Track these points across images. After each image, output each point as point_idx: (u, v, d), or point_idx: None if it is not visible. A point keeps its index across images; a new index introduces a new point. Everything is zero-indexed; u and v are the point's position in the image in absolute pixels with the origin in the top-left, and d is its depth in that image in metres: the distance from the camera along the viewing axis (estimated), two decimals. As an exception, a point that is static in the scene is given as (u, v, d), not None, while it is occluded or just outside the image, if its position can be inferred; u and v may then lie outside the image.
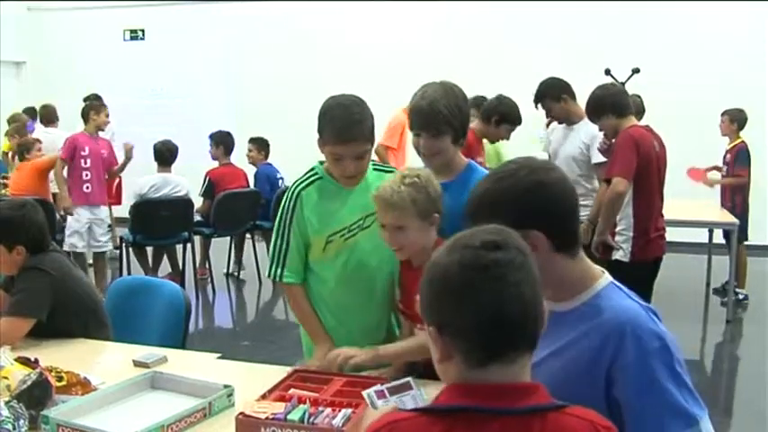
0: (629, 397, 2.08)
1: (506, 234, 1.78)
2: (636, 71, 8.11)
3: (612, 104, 5.92)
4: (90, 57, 14.96)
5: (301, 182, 3.50)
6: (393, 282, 3.54)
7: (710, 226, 9.58)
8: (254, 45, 14.11)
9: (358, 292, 3.53)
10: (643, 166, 5.80)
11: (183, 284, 9.08)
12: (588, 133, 6.59)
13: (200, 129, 11.39)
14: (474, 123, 6.94)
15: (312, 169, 3.53)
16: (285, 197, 3.50)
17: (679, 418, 2.08)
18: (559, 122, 6.92)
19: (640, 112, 8.04)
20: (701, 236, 10.01)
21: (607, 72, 8.31)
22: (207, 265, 10.24)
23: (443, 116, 3.35)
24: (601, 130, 6.15)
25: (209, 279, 10.11)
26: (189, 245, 9.74)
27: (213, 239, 10.23)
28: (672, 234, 6.31)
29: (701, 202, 9.49)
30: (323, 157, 3.49)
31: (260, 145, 10.58)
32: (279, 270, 3.50)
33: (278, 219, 3.50)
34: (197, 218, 9.86)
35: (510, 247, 1.73)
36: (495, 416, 1.68)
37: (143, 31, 14.99)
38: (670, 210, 6.45)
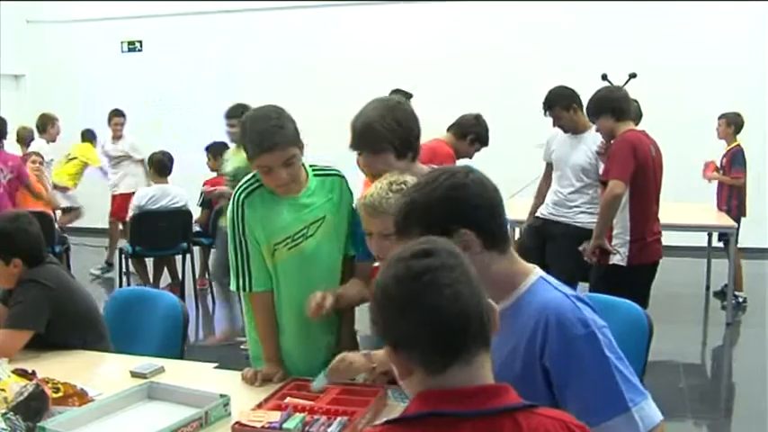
0: (560, 385, 2.15)
1: (434, 241, 1.83)
2: (633, 76, 8.10)
3: (613, 107, 5.94)
4: (89, 69, 14.99)
5: (243, 189, 3.43)
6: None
7: (709, 230, 9.57)
8: (253, 56, 14.12)
9: (305, 295, 3.41)
10: (640, 170, 5.81)
11: (182, 295, 9.09)
12: (597, 143, 6.58)
13: (200, 139, 11.34)
14: (446, 137, 6.98)
15: (253, 176, 3.45)
16: (231, 207, 3.43)
17: (609, 404, 2.11)
18: (565, 131, 6.87)
19: (638, 116, 8.03)
20: (699, 239, 10.02)
21: (604, 77, 8.30)
22: (206, 276, 10.24)
23: (378, 133, 3.30)
24: (597, 130, 6.15)
25: (208, 289, 10.09)
26: (188, 255, 9.74)
27: (212, 250, 10.20)
28: (671, 238, 6.32)
29: (699, 205, 9.49)
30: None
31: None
32: (244, 280, 3.43)
33: (230, 230, 3.44)
34: (196, 228, 9.87)
35: (440, 252, 1.77)
36: (465, 419, 1.70)
37: (141, 42, 15.02)
38: (669, 213, 6.45)
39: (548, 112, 6.76)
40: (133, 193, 10.16)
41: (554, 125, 6.82)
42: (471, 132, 7.11)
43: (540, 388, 2.16)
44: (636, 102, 8.26)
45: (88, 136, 12.58)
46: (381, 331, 1.80)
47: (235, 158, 7.36)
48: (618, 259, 5.89)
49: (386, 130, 3.30)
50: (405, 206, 2.28)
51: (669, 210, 6.45)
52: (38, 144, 11.22)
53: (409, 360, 1.76)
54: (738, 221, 8.98)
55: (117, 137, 11.85)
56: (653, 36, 12.14)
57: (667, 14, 12.07)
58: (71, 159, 12.26)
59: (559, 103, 6.69)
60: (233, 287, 3.48)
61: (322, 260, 3.49)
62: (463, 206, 2.21)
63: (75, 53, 15.14)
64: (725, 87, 11.58)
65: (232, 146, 7.94)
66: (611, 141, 6.05)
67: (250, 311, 3.60)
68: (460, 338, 1.73)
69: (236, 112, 7.65)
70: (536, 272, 2.33)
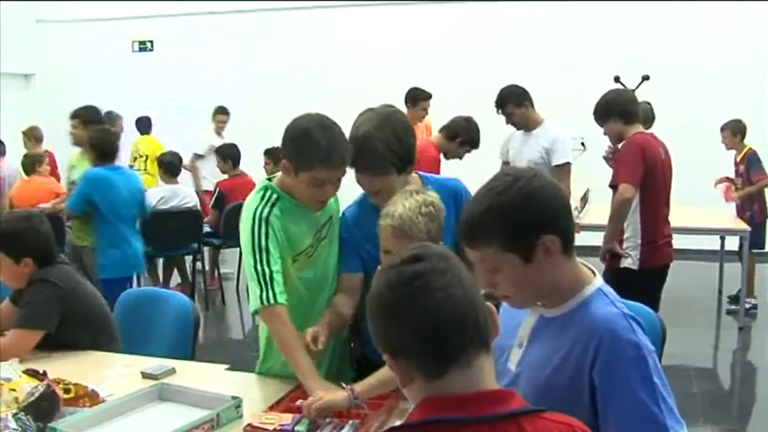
0: (604, 403, 2.13)
1: (424, 246, 1.86)
2: (646, 78, 8.11)
3: (622, 110, 5.93)
4: (99, 69, 15.01)
5: (263, 205, 3.31)
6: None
7: (723, 233, 9.53)
8: (266, 55, 14.12)
9: (320, 298, 3.45)
10: (649, 174, 5.80)
11: (192, 296, 9.10)
12: (548, 138, 6.87)
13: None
14: (436, 138, 7.05)
15: (266, 189, 3.38)
16: (252, 223, 3.27)
17: (649, 429, 2.09)
18: (518, 128, 7.03)
19: (650, 119, 8.02)
20: (713, 243, 9.98)
21: (616, 79, 8.32)
22: (216, 276, 10.27)
23: (381, 155, 3.22)
24: (605, 134, 6.15)
25: (218, 290, 10.13)
26: (199, 256, 9.77)
27: (223, 251, 10.27)
28: (684, 241, 6.31)
29: (715, 210, 9.44)
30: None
31: (276, 157, 10.50)
32: (268, 294, 3.20)
33: (250, 246, 3.26)
34: (207, 229, 9.89)
35: (430, 256, 1.78)
36: (468, 424, 1.70)
37: (152, 42, 15.03)
38: (683, 217, 6.43)
39: (500, 111, 6.99)
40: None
41: (507, 122, 6.99)
42: (461, 135, 7.35)
43: (586, 401, 2.15)
44: (648, 104, 8.25)
45: (145, 127, 12.65)
46: (378, 340, 1.80)
47: (82, 165, 7.30)
48: (629, 263, 5.89)
49: (388, 150, 3.23)
50: (485, 213, 2.18)
51: (682, 213, 6.44)
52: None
53: (408, 367, 1.76)
54: (763, 226, 8.96)
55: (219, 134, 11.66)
56: (666, 38, 12.09)
57: (681, 15, 12.02)
58: (142, 157, 12.27)
59: (512, 101, 6.94)
60: (255, 305, 3.25)
61: (331, 263, 3.50)
62: (548, 211, 2.19)
63: (85, 53, 15.16)
64: (738, 88, 11.53)
65: (75, 150, 7.67)
66: (620, 145, 6.05)
67: (266, 331, 3.52)
68: (456, 342, 1.74)
69: (83, 114, 7.61)
70: (595, 281, 2.30)
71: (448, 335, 1.72)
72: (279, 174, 3.41)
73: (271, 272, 3.21)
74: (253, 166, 10.24)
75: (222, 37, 14.39)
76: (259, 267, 3.22)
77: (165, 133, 13.12)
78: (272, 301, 3.19)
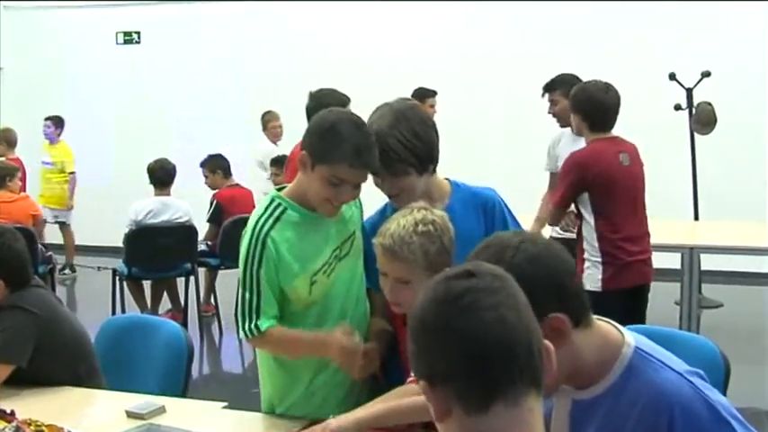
0: None
1: (479, 263, 1.84)
2: (706, 75, 8.10)
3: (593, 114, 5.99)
4: (78, 62, 14.99)
5: (265, 220, 3.36)
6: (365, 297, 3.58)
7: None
8: (266, 49, 14.01)
9: (337, 320, 3.46)
10: (602, 186, 5.88)
11: (185, 323, 9.08)
12: None
13: (205, 144, 11.40)
14: None
15: (272, 201, 3.43)
16: (248, 241, 3.35)
17: None
18: (561, 123, 6.95)
19: (711, 122, 8.02)
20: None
21: (672, 77, 8.32)
22: (213, 301, 10.22)
23: (395, 155, 3.28)
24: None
25: (215, 317, 10.09)
26: (192, 278, 9.74)
27: (220, 272, 10.27)
28: (747, 263, 6.27)
29: None
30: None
31: (279, 165, 10.48)
32: (251, 323, 3.34)
33: (243, 267, 3.37)
34: (202, 247, 9.90)
35: (484, 273, 1.76)
36: None
37: (138, 33, 14.97)
38: (746, 236, 6.39)
39: (545, 94, 6.96)
40: None
41: (549, 111, 6.94)
42: None
43: None
44: (709, 105, 8.25)
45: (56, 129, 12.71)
46: (416, 364, 1.78)
47: None
48: (590, 285, 5.82)
49: (404, 149, 3.28)
50: None
51: (749, 231, 6.41)
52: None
53: (446, 397, 1.72)
54: None
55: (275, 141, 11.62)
56: (729, 29, 12.01)
57: (746, 4, 11.98)
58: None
59: (563, 87, 6.83)
60: (241, 334, 3.41)
61: (356, 284, 3.53)
62: (549, 285, 2.12)
63: (62, 44, 15.10)
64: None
65: None
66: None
67: (266, 357, 3.61)
68: (505, 370, 1.70)
69: None
70: (626, 341, 2.23)
71: (494, 361, 1.69)
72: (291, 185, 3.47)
73: (258, 303, 3.33)
74: (255, 173, 10.29)
75: (218, 28, 14.32)
76: (247, 295, 3.35)
77: (151, 137, 13.17)
78: (255, 332, 3.34)
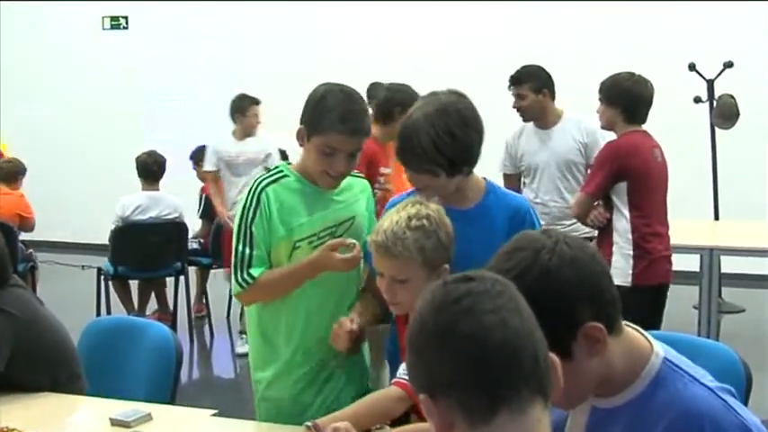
0: None
1: (480, 270, 1.85)
2: (728, 65, 8.09)
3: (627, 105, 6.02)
4: (61, 49, 14.95)
5: (264, 178, 3.65)
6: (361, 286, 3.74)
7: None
8: (264, 35, 13.94)
9: (326, 301, 3.67)
10: (638, 179, 5.95)
11: (174, 325, 9.08)
12: (583, 130, 6.72)
13: (198, 136, 11.36)
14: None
15: (277, 167, 3.75)
16: (246, 196, 3.63)
17: None
18: (525, 118, 6.87)
19: (734, 116, 8.01)
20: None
21: (691, 67, 8.31)
22: (204, 302, 10.22)
23: (423, 151, 3.31)
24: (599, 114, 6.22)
25: (206, 318, 10.09)
26: (182, 278, 9.71)
27: (212, 271, 10.28)
28: (765, 266, 6.25)
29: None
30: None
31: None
32: (243, 273, 3.58)
33: (238, 220, 3.62)
34: (193, 245, 9.89)
35: (485, 278, 1.78)
36: None
37: (126, 18, 14.94)
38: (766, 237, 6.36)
39: (511, 88, 6.82)
40: None
41: (514, 105, 6.81)
42: (397, 105, 7.18)
43: None
44: (732, 98, 8.24)
45: None
46: (416, 375, 1.79)
47: None
48: (620, 279, 5.84)
49: (434, 149, 3.29)
50: None
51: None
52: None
53: (449, 409, 1.72)
54: None
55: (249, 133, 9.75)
56: (753, 16, 11.99)
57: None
58: None
59: (530, 81, 6.76)
60: (234, 292, 3.70)
61: (350, 281, 3.70)
62: (587, 294, 2.10)
63: (44, 30, 15.09)
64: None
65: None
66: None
67: (254, 315, 3.76)
68: (508, 377, 1.70)
69: None
70: (655, 350, 2.21)
71: (497, 365, 1.69)
72: None
73: (251, 255, 3.56)
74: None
75: (213, 12, 14.20)
76: (240, 248, 3.58)
77: (139, 128, 13.16)
78: (248, 281, 3.57)
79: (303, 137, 3.56)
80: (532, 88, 6.72)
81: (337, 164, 3.50)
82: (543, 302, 1.89)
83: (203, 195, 10.09)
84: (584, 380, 2.13)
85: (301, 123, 3.57)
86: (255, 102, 9.31)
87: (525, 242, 2.16)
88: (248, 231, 3.56)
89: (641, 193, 5.97)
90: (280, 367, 3.69)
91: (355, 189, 3.79)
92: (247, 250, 3.55)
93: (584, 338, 2.07)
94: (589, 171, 6.32)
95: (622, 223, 5.99)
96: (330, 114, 3.44)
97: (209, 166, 9.31)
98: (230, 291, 10.19)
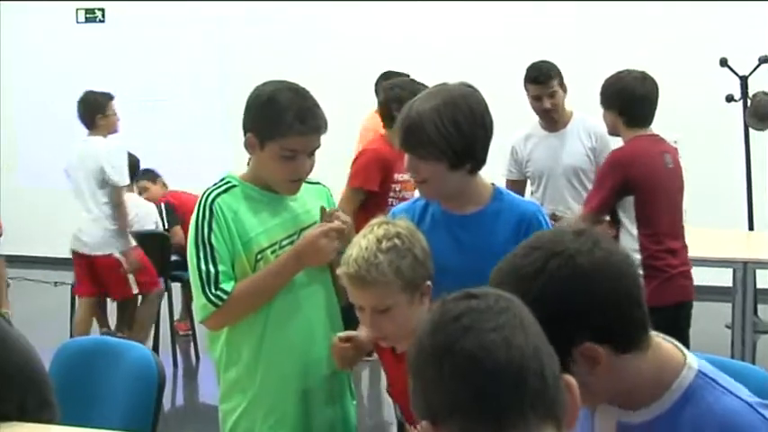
0: None
1: (483, 288, 1.85)
2: (764, 60, 8.08)
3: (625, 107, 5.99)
4: (33, 44, 14.94)
5: (211, 191, 3.62)
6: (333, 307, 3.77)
7: None
8: (252, 32, 13.92)
9: (295, 324, 3.68)
10: (644, 189, 5.91)
11: (156, 346, 9.08)
12: (590, 132, 6.76)
13: (181, 139, 11.38)
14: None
15: (223, 178, 3.69)
16: (196, 212, 3.60)
17: None
18: (549, 119, 6.82)
19: (765, 116, 8.00)
20: None
21: (723, 63, 8.30)
22: (189, 320, 10.08)
23: (426, 137, 3.34)
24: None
25: (190, 338, 9.99)
26: (165, 293, 9.67)
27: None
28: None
29: None
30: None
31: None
32: (214, 290, 3.54)
33: (193, 238, 3.59)
34: (175, 257, 9.89)
35: (488, 295, 1.78)
36: None
37: (102, 11, 14.93)
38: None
39: (543, 84, 6.73)
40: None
41: (545, 105, 6.72)
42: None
43: None
44: (767, 94, 8.23)
45: None
46: (417, 401, 1.79)
47: None
48: None
49: (439, 136, 3.33)
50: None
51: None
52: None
53: None
54: None
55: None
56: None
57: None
58: None
59: (560, 76, 6.78)
60: (201, 316, 3.67)
61: (317, 279, 3.72)
62: (592, 310, 2.11)
63: (15, 22, 15.08)
64: None
65: None
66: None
67: (228, 344, 3.82)
68: (513, 398, 1.70)
69: None
70: (689, 362, 2.23)
71: (501, 386, 1.69)
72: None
73: (216, 270, 3.52)
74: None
75: (197, 6, 14.16)
76: (203, 266, 3.53)
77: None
78: (223, 297, 3.54)
79: (255, 145, 3.55)
80: (561, 84, 6.71)
81: (300, 167, 3.55)
82: (542, 312, 1.89)
83: (161, 205, 9.86)
84: (601, 391, 2.16)
85: (248, 131, 3.58)
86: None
87: (546, 241, 2.18)
88: (207, 246, 3.53)
89: (651, 206, 5.93)
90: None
91: (314, 194, 3.83)
92: (211, 267, 3.53)
93: (581, 357, 2.08)
94: (592, 184, 6.29)
95: (629, 242, 5.93)
96: (286, 116, 3.45)
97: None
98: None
